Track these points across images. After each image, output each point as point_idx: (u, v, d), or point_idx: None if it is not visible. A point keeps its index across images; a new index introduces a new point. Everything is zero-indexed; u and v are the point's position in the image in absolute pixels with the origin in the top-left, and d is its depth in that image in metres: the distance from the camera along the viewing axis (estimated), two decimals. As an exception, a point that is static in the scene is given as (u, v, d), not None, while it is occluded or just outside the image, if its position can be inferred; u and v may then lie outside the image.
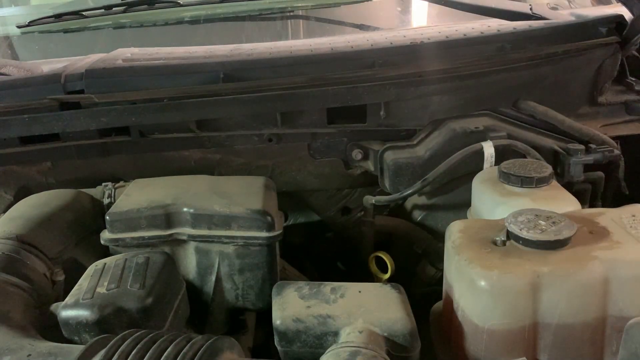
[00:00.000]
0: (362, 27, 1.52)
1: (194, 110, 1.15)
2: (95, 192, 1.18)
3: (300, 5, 1.56)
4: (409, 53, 1.20)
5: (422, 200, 1.27)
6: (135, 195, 1.05)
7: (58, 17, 1.54)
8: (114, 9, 1.54)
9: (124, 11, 1.53)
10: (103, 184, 1.19)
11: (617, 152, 1.20)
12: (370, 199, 1.22)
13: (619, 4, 1.29)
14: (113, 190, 1.17)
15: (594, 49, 1.25)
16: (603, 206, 1.23)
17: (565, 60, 1.23)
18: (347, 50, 1.22)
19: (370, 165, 1.26)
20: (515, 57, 1.20)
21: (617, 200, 1.25)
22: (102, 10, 1.55)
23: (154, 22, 1.53)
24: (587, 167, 1.18)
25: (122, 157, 1.23)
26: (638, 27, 1.23)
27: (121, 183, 1.19)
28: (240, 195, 1.03)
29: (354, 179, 1.31)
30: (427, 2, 1.56)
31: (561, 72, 1.24)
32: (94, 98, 1.13)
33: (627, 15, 1.25)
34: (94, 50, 1.37)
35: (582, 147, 1.18)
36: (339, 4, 1.56)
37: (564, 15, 1.38)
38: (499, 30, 1.25)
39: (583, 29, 1.26)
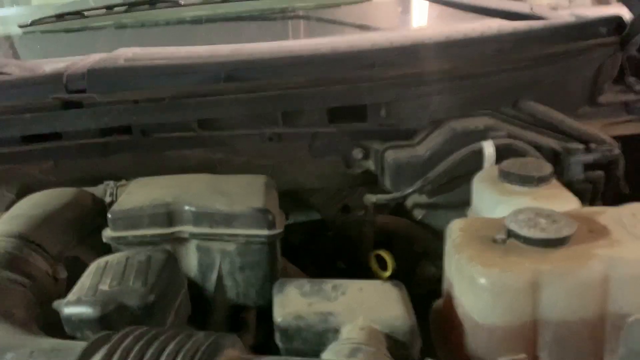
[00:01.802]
0: (362, 28, 1.53)
1: (195, 110, 1.15)
2: (97, 190, 1.18)
3: (301, 5, 1.56)
4: (409, 53, 1.20)
5: (422, 199, 1.27)
6: (137, 194, 1.05)
7: (59, 16, 1.55)
8: (115, 8, 1.54)
9: (126, 11, 1.53)
10: (105, 182, 1.19)
11: (617, 151, 1.20)
12: (371, 198, 1.23)
13: (619, 3, 1.29)
14: (115, 189, 1.17)
15: (594, 49, 1.25)
16: (603, 205, 1.23)
17: (565, 60, 1.24)
18: (347, 51, 1.22)
19: (371, 165, 1.27)
20: (516, 58, 1.20)
21: (617, 199, 1.25)
22: (104, 10, 1.55)
23: (156, 22, 1.54)
24: (587, 167, 1.19)
25: (124, 156, 1.23)
26: (638, 27, 1.23)
27: (123, 182, 1.19)
28: (241, 194, 1.03)
29: (355, 178, 1.31)
30: (427, 3, 1.56)
31: (561, 72, 1.24)
32: (95, 97, 1.14)
33: (628, 15, 1.26)
34: (96, 49, 1.37)
35: (582, 146, 1.18)
36: (340, 4, 1.57)
37: (564, 16, 1.38)
38: (499, 31, 1.26)
39: (583, 29, 1.27)
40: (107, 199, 1.16)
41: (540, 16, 1.36)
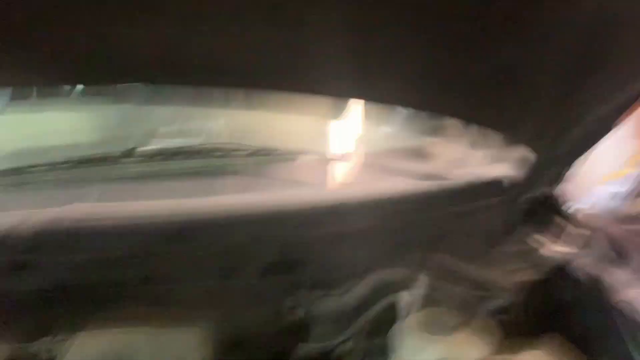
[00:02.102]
0: (291, 185, 1.66)
1: (139, 268, 1.22)
2: (33, 347, 1.18)
3: (239, 162, 1.70)
4: (332, 212, 1.35)
5: (351, 346, 1.36)
6: (78, 350, 1.08)
7: (2, 173, 1.59)
8: (60, 165, 1.61)
9: (70, 167, 1.61)
10: (42, 339, 1.20)
11: (519, 297, 1.37)
12: (303, 347, 1.30)
13: (508, 162, 1.50)
14: (53, 345, 1.18)
15: (490, 206, 1.46)
16: (509, 350, 1.36)
17: (467, 216, 1.43)
18: (277, 207, 1.36)
19: (301, 314, 1.36)
20: (424, 215, 1.39)
21: (520, 341, 1.39)
22: (48, 166, 1.61)
23: (101, 178, 1.61)
24: (493, 312, 1.33)
25: (66, 312, 1.25)
26: (525, 184, 1.46)
27: (61, 337, 1.20)
28: (178, 349, 1.09)
29: (288, 327, 1.39)
30: (349, 163, 1.76)
31: (464, 226, 1.43)
32: (40, 258, 1.18)
33: (514, 172, 1.47)
34: (41, 206, 1.41)
35: (488, 293, 1.34)
36: (274, 160, 1.72)
37: (463, 175, 1.58)
38: (409, 191, 1.45)
39: (479, 189, 1.48)
40: (44, 356, 1.16)
41: (446, 177, 1.56)
